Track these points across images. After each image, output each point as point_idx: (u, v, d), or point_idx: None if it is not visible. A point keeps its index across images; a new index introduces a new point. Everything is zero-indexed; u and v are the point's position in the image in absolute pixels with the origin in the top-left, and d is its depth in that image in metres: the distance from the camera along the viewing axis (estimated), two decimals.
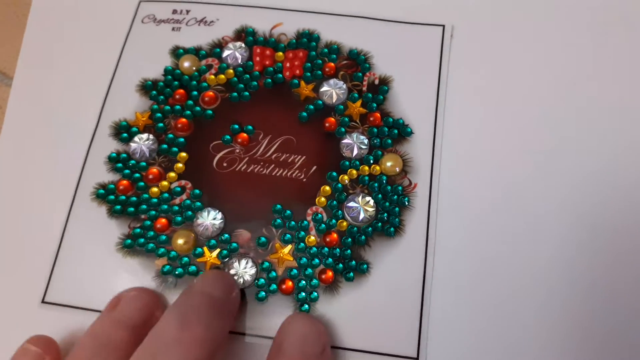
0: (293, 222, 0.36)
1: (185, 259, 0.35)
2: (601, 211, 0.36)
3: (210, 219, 0.35)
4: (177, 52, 0.40)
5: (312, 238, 0.35)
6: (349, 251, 0.35)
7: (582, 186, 0.36)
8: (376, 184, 0.36)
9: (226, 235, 0.35)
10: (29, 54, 0.42)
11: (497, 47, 0.40)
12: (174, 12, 0.42)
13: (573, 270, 0.34)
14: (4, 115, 0.40)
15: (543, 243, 0.35)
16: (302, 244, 0.35)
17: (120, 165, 0.37)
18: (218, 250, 0.35)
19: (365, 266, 0.34)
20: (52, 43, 0.42)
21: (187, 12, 0.42)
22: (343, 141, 0.37)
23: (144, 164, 0.37)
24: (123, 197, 0.36)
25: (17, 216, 0.37)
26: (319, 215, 0.36)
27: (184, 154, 0.37)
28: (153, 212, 0.36)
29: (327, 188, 0.36)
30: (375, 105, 0.38)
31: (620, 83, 0.39)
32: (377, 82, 0.39)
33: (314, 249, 0.35)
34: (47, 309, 0.34)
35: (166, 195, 0.36)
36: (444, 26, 0.41)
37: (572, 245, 0.35)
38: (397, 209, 0.36)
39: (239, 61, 0.40)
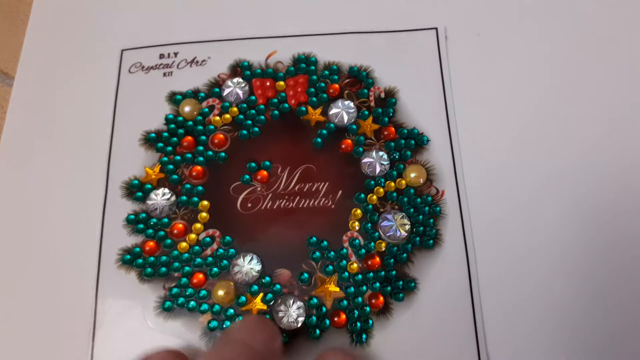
0: (332, 252, 0.35)
1: (230, 310, 0.33)
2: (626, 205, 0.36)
3: (247, 264, 0.34)
4: (175, 98, 0.39)
5: (355, 265, 0.34)
6: (393, 271, 0.34)
7: (608, 173, 0.37)
8: (405, 198, 0.36)
9: (267, 277, 0.34)
10: (16, 121, 0.39)
11: (493, 42, 0.41)
12: (162, 56, 0.41)
13: (611, 259, 0.35)
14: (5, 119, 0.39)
15: (575, 228, 0.35)
16: (345, 273, 0.34)
17: (141, 226, 0.35)
18: (261, 294, 0.34)
19: (412, 283, 0.34)
20: (39, 111, 0.40)
21: (175, 54, 0.41)
22: (363, 160, 0.37)
23: (165, 220, 0.36)
24: (152, 259, 0.35)
25: (45, 297, 0.34)
26: (356, 241, 0.35)
27: (205, 202, 0.36)
28: (187, 268, 0.34)
29: (358, 211, 0.36)
30: (386, 119, 0.38)
31: (628, 76, 0.40)
32: (383, 95, 0.39)
33: (359, 275, 0.34)
34: None
35: (197, 248, 0.35)
36: (436, 29, 0.41)
37: (605, 233, 0.36)
38: (431, 220, 0.35)
39: (241, 97, 0.39)
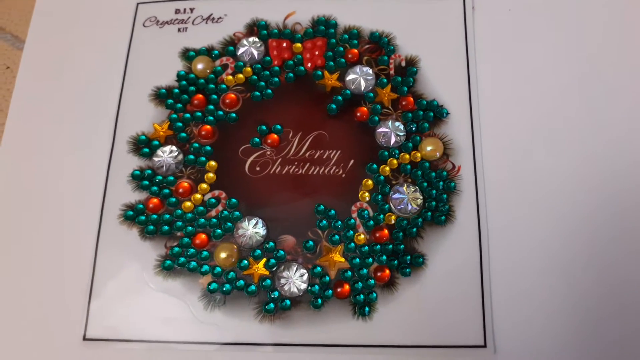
0: (339, 222, 0.34)
1: (232, 273, 0.33)
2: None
3: (252, 227, 0.33)
4: (188, 55, 0.38)
5: (362, 236, 0.33)
6: (401, 245, 0.33)
7: (626, 154, 0.35)
8: (419, 172, 0.35)
9: (271, 243, 0.33)
10: (27, 81, 0.39)
11: (521, 16, 0.39)
12: (177, 11, 0.39)
13: (632, 240, 0.33)
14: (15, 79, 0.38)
15: (594, 212, 0.34)
16: (352, 244, 0.33)
17: (146, 182, 0.35)
18: (264, 259, 0.33)
19: (421, 259, 0.33)
20: (50, 64, 0.39)
21: (192, 10, 0.39)
22: (378, 130, 0.36)
23: (171, 178, 0.35)
24: (155, 216, 0.34)
25: (45, 251, 0.34)
26: (365, 212, 0.34)
27: (213, 163, 0.35)
28: (190, 228, 0.33)
29: (369, 181, 0.34)
30: (405, 88, 0.37)
31: None
32: (403, 64, 0.37)
33: (366, 247, 0.33)
34: (89, 347, 0.32)
35: (201, 208, 0.34)
36: None
37: (623, 212, 0.34)
38: (444, 195, 0.34)
39: (256, 57, 0.38)
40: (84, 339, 0.32)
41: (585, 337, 0.32)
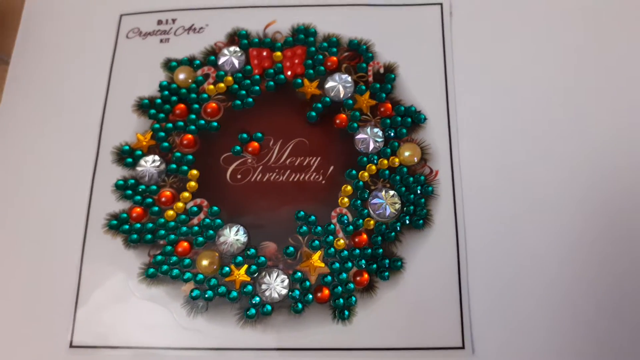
0: (319, 227, 0.34)
1: (214, 280, 0.33)
2: (619, 186, 0.35)
3: (233, 235, 0.34)
4: (170, 65, 0.39)
5: (342, 241, 0.34)
6: (380, 250, 0.34)
7: (601, 157, 0.36)
8: (397, 177, 0.35)
9: (252, 249, 0.34)
10: (12, 94, 0.39)
11: (498, 22, 0.39)
12: (159, 22, 0.40)
13: (605, 242, 0.34)
14: None
15: (570, 216, 0.34)
16: (331, 249, 0.34)
17: (129, 192, 0.35)
18: (246, 266, 0.34)
19: (399, 263, 0.33)
20: (36, 75, 0.39)
21: (173, 21, 0.40)
22: (357, 136, 0.36)
23: (154, 187, 0.35)
24: (138, 225, 0.34)
25: (31, 259, 0.35)
26: (345, 217, 0.35)
27: (194, 172, 0.36)
28: (173, 237, 0.34)
29: (349, 187, 0.35)
30: (384, 95, 0.37)
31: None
32: (382, 70, 0.38)
33: (345, 252, 0.34)
34: (76, 353, 0.32)
35: (183, 216, 0.35)
36: (441, 4, 0.39)
37: (598, 216, 0.34)
38: (422, 199, 0.35)
39: (237, 66, 0.38)
40: (71, 345, 0.33)
41: (562, 337, 0.32)
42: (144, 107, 0.37)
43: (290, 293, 0.33)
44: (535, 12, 0.39)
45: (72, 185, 0.36)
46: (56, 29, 0.41)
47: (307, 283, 0.33)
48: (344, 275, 0.33)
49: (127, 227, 0.34)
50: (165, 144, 0.36)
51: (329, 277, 0.33)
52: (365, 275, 0.33)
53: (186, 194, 0.35)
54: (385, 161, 0.36)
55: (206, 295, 0.33)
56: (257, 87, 0.38)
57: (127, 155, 0.36)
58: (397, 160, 0.36)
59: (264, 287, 0.33)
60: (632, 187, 0.35)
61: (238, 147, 0.36)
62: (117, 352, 0.32)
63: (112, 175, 0.36)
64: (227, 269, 0.34)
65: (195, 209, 0.35)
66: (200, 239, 0.34)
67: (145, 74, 0.39)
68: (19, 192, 0.36)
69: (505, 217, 0.35)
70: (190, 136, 0.36)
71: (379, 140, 0.36)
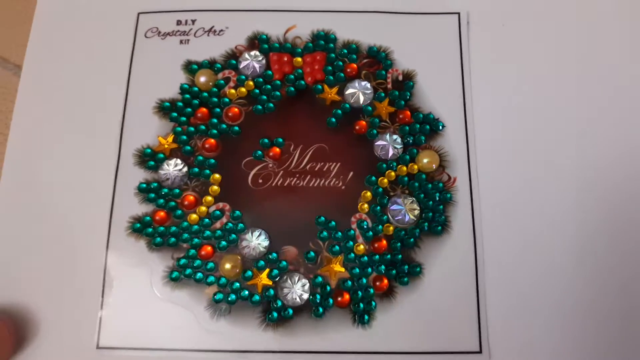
0: (339, 233, 0.35)
1: (236, 284, 0.34)
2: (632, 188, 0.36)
3: (255, 239, 0.35)
4: (191, 67, 0.39)
5: (361, 247, 0.35)
6: (399, 255, 0.35)
7: (625, 164, 0.36)
8: (416, 183, 0.36)
9: (274, 254, 0.34)
10: (28, 88, 0.39)
11: (515, 30, 0.40)
12: (179, 22, 0.40)
13: (623, 247, 0.35)
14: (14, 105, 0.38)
15: (585, 221, 0.35)
16: (351, 254, 0.35)
17: (152, 195, 0.36)
18: (267, 270, 0.34)
19: (418, 268, 0.34)
20: (54, 75, 0.39)
21: (193, 22, 0.40)
22: (377, 143, 0.37)
23: (177, 190, 0.36)
24: (162, 228, 0.35)
25: (57, 262, 0.35)
26: (364, 223, 0.35)
27: (217, 176, 0.36)
28: (196, 240, 0.35)
29: (368, 193, 0.36)
30: (403, 102, 0.38)
31: None
32: (401, 78, 0.38)
33: (365, 257, 0.34)
34: (103, 355, 0.33)
35: (206, 220, 0.35)
36: (459, 13, 0.40)
37: (617, 222, 0.35)
38: (441, 206, 0.35)
39: (257, 71, 0.38)
40: (98, 347, 0.33)
41: (580, 343, 0.33)
42: (165, 109, 0.38)
43: (311, 297, 0.34)
44: (553, 21, 0.40)
45: (95, 188, 0.36)
46: (73, 28, 0.41)
47: (328, 288, 0.34)
48: (364, 280, 0.34)
49: (150, 230, 0.35)
50: (188, 148, 0.37)
51: (349, 282, 0.34)
52: (385, 281, 0.34)
53: (209, 198, 0.35)
54: (404, 168, 0.36)
55: (229, 299, 0.34)
56: (278, 92, 0.38)
57: (149, 158, 0.36)
58: (415, 167, 0.36)
59: (285, 291, 0.34)
60: None
61: (259, 152, 0.36)
62: (143, 353, 0.33)
63: (134, 178, 0.36)
64: (250, 272, 0.34)
65: (217, 212, 0.35)
66: (223, 242, 0.35)
67: (165, 75, 0.39)
68: (42, 197, 0.36)
69: (522, 223, 0.35)
70: (212, 140, 0.37)
71: (398, 146, 0.37)
